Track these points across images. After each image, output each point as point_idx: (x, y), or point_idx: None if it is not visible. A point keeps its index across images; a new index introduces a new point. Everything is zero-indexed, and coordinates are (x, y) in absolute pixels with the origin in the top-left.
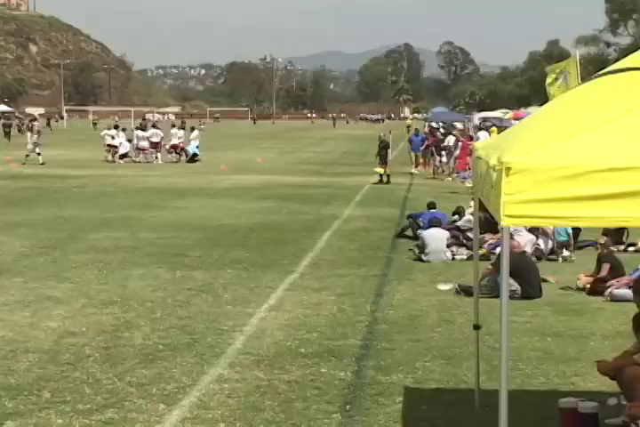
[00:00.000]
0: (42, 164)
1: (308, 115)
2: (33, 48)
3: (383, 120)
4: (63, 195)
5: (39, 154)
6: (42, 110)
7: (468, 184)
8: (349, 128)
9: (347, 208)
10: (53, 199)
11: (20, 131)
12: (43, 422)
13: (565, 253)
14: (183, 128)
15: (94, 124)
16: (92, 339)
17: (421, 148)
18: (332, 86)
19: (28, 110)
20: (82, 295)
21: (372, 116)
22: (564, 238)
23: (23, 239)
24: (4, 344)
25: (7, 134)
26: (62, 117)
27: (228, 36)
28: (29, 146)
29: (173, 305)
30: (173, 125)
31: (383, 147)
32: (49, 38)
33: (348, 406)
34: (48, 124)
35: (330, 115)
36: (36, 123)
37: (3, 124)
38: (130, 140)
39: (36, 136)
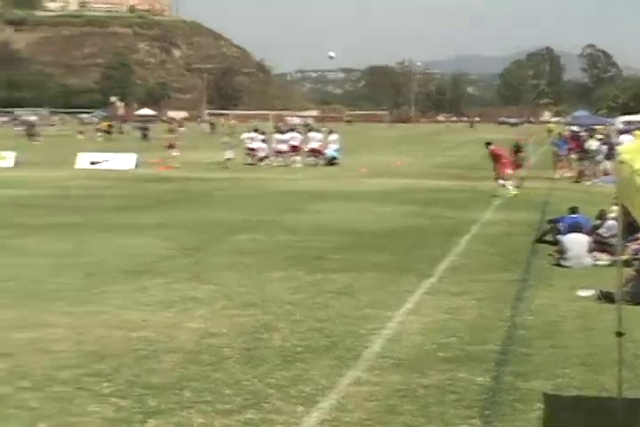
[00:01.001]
0: (225, 167)
1: (439, 118)
2: (176, 52)
3: (522, 124)
4: (205, 197)
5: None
6: (184, 114)
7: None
8: (488, 132)
9: (486, 212)
10: (196, 202)
11: (171, 132)
12: (184, 421)
13: None
14: (315, 130)
15: (230, 127)
16: (233, 340)
17: (563, 152)
18: (470, 90)
19: (171, 114)
20: (223, 297)
21: (511, 119)
22: None
23: (167, 241)
24: (147, 344)
25: (145, 137)
26: (203, 121)
27: (367, 40)
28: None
29: (312, 308)
30: (310, 129)
31: (516, 151)
32: (191, 43)
33: (486, 412)
34: (212, 127)
35: (467, 118)
36: (181, 128)
37: (141, 128)
38: (264, 141)
39: (227, 138)
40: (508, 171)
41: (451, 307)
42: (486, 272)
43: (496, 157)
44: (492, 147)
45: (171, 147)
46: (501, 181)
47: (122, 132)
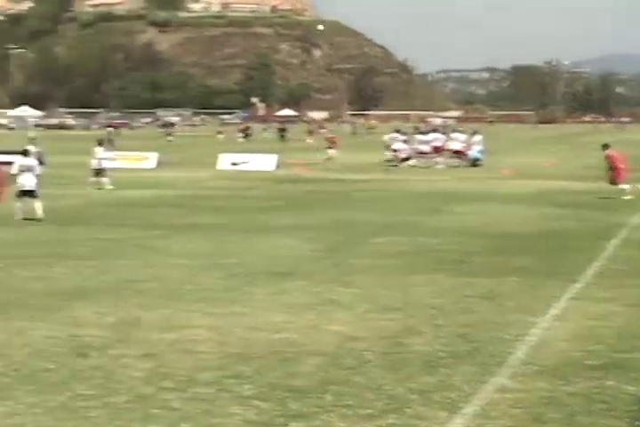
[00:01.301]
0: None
1: (586, 119)
2: (317, 53)
3: None
4: (346, 199)
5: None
6: (324, 115)
7: None
8: (638, 132)
9: (636, 216)
10: (336, 203)
11: (310, 134)
12: (325, 425)
13: None
14: (459, 131)
15: (369, 128)
16: (374, 344)
17: None
18: (620, 89)
19: (311, 115)
20: (364, 300)
21: None
22: None
23: (308, 242)
24: (289, 346)
25: (283, 138)
26: (344, 121)
27: (511, 39)
28: (388, 153)
29: (455, 312)
30: (454, 130)
31: None
32: (332, 43)
33: (637, 423)
34: (354, 127)
35: (615, 118)
36: (323, 130)
37: (279, 129)
38: (406, 142)
39: (386, 137)
40: (623, 178)
41: (598, 313)
42: (636, 278)
43: (611, 163)
44: (608, 151)
45: (330, 147)
46: (621, 186)
47: (250, 134)
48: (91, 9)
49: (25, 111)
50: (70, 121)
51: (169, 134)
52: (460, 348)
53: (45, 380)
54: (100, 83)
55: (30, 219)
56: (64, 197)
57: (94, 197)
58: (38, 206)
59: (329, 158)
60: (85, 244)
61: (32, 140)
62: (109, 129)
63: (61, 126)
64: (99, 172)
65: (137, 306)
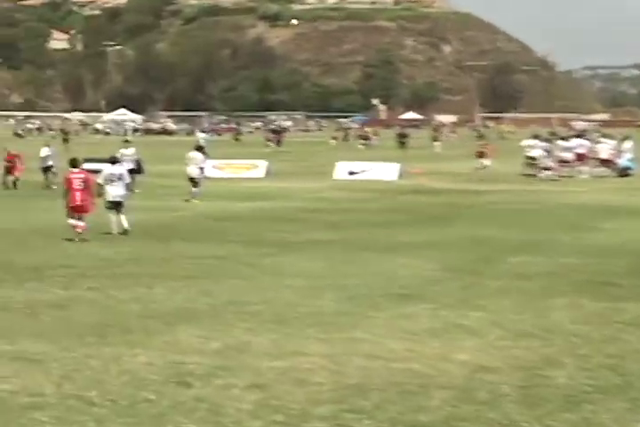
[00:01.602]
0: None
1: None
2: (446, 48)
3: None
4: (477, 212)
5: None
6: (453, 118)
7: None
8: None
9: None
10: (466, 217)
11: (436, 139)
12: None
13: None
14: (607, 137)
15: (500, 133)
16: (508, 376)
17: None
18: None
19: (439, 118)
20: (496, 326)
21: None
22: None
23: (433, 262)
24: (412, 378)
25: (403, 145)
26: (475, 126)
27: None
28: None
29: (601, 341)
30: (601, 135)
31: None
32: (463, 37)
33: None
34: (479, 135)
35: None
36: (453, 134)
37: (398, 134)
38: (546, 149)
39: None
40: None
41: None
42: None
43: None
44: None
45: (480, 156)
46: None
47: (369, 138)
48: (195, 2)
49: (123, 115)
50: (171, 125)
51: (269, 140)
52: (609, 381)
53: (144, 412)
54: (205, 83)
55: (122, 233)
56: (165, 210)
57: (198, 210)
58: (123, 218)
59: (482, 168)
60: (188, 262)
61: (126, 143)
62: (202, 135)
63: (162, 131)
64: (197, 181)
65: (244, 330)
